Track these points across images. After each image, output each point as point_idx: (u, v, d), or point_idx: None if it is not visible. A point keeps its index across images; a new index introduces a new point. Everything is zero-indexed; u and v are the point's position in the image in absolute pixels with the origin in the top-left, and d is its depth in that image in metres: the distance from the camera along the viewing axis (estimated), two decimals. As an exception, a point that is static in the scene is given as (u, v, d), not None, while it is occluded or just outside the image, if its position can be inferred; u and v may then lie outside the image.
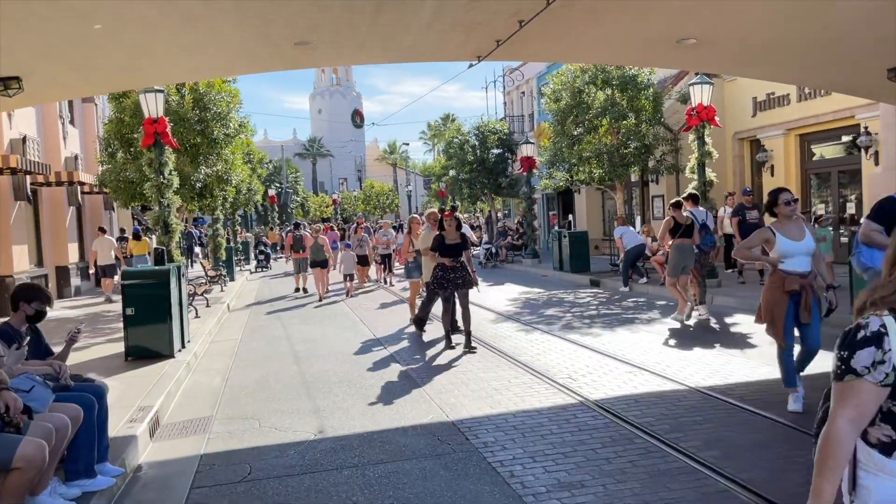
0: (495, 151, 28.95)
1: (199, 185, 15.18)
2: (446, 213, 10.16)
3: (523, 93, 34.84)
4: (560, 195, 28.65)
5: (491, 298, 15.00)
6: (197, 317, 13.39)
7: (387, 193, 67.09)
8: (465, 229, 11.50)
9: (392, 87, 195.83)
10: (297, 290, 18.14)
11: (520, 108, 35.49)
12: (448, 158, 30.34)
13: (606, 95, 17.29)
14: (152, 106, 11.89)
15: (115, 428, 5.71)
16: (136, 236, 17.74)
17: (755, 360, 7.79)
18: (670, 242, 10.64)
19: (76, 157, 18.95)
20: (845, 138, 16.36)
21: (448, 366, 8.48)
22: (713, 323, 10.60)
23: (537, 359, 8.60)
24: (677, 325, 10.41)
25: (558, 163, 18.06)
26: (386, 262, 18.58)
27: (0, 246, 14.58)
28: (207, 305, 15.10)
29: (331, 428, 6.13)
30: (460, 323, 9.70)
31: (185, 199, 15.42)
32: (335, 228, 39.37)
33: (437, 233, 9.90)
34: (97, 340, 10.93)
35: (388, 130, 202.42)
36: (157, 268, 9.40)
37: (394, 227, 27.54)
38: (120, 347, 9.35)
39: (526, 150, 22.91)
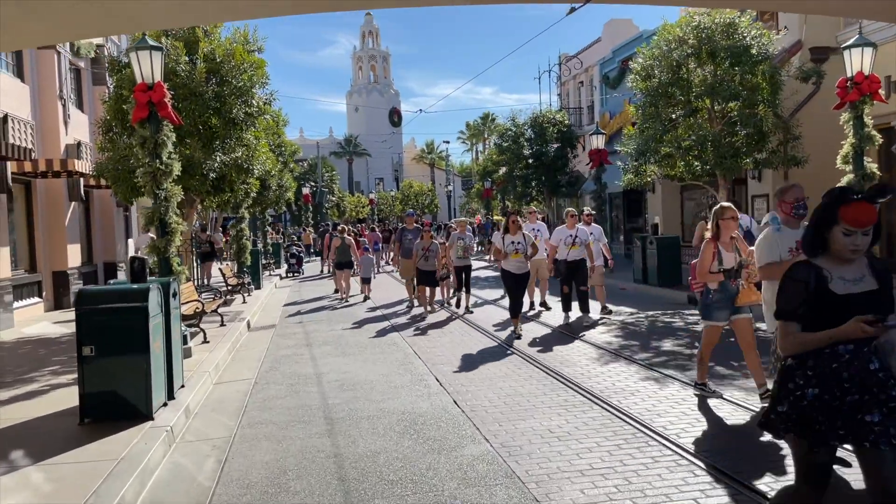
0: (553, 145, 25.75)
1: (212, 174, 12.25)
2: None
3: (581, 83, 31.55)
4: (625, 194, 25.35)
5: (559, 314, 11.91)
6: (205, 342, 10.51)
7: (426, 193, 64.15)
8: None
9: (427, 90, 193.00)
10: (338, 291, 17.61)
11: (576, 100, 32.21)
12: (500, 153, 27.20)
13: (712, 70, 14.03)
14: (146, 67, 9.03)
15: None
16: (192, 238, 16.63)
17: None
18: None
19: (79, 145, 16.30)
20: None
21: (576, 453, 5.37)
22: None
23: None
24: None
25: (649, 153, 14.83)
26: (463, 277, 13.48)
27: (-29, 248, 11.92)
28: (222, 324, 12.25)
29: None
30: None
31: (196, 191, 12.56)
32: (375, 229, 36.66)
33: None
34: (61, 380, 8.06)
35: (424, 131, 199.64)
36: (128, 286, 6.48)
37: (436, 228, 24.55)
38: (81, 398, 6.45)
39: (595, 142, 19.74)
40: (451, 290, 14.45)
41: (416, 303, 14.44)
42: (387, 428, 6.13)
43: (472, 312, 13.10)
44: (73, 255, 16.21)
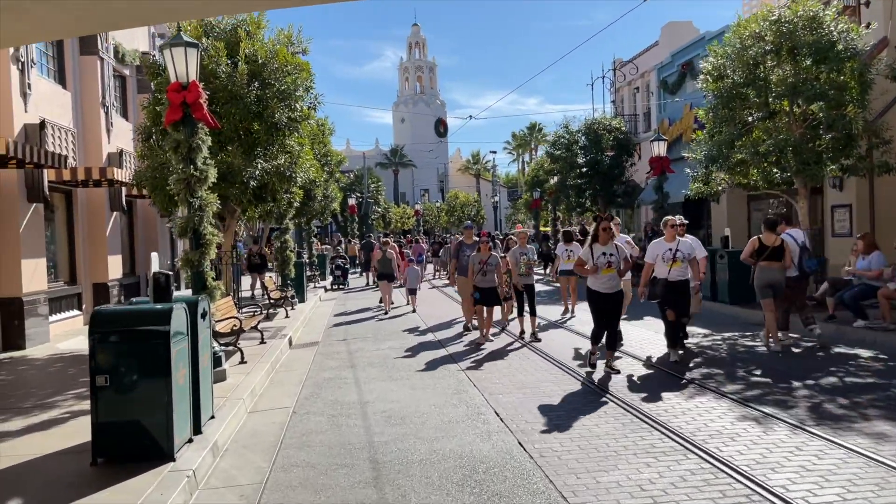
0: (609, 153, 24.56)
1: (253, 183, 11.54)
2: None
3: (637, 89, 30.30)
4: (684, 205, 23.99)
5: (637, 340, 10.83)
6: (242, 362, 9.75)
7: (472, 204, 63.28)
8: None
9: (472, 101, 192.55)
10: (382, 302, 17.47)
11: (631, 107, 30.95)
12: (552, 161, 26.11)
13: (792, 69, 12.79)
14: (181, 65, 8.34)
15: None
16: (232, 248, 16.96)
17: None
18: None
19: (121, 154, 15.87)
20: None
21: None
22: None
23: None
24: None
25: (720, 160, 13.62)
26: (526, 297, 11.58)
27: (6, 261, 11.42)
28: (262, 341, 11.50)
29: None
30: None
31: (236, 200, 11.86)
32: (419, 240, 35.95)
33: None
34: (83, 406, 7.34)
35: (469, 141, 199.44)
36: (149, 307, 5.71)
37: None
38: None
39: (657, 149, 18.57)
40: (512, 310, 12.70)
41: (474, 324, 12.67)
42: (442, 477, 5.18)
43: (539, 340, 11.17)
44: (115, 267, 15.75)
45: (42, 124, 11.95)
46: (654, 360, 9.34)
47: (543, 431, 6.24)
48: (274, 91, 11.59)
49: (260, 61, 11.62)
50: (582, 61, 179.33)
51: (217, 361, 8.52)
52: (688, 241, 9.55)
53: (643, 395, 7.44)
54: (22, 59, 11.60)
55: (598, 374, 8.46)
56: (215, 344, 8.69)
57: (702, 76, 14.22)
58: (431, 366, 9.72)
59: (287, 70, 11.79)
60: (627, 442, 5.82)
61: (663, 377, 8.35)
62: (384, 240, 19.35)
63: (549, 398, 7.45)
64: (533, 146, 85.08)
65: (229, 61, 11.50)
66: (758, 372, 8.43)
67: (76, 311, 14.47)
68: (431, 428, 6.55)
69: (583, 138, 24.72)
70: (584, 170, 24.14)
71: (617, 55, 39.82)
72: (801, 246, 10.76)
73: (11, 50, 11.38)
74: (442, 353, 10.76)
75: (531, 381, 8.34)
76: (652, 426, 6.22)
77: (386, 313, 16.54)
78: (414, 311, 16.80)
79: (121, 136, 16.54)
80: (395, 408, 7.34)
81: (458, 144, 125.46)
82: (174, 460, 5.38)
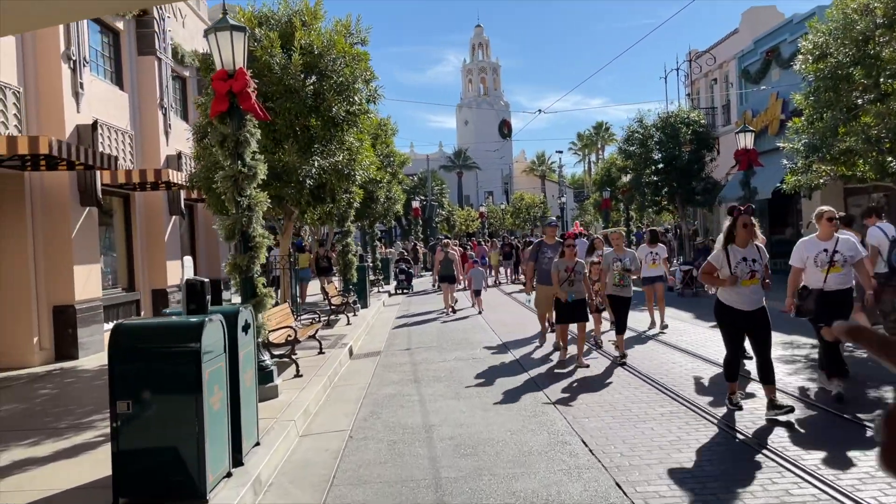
0: (687, 149, 23.03)
1: (309, 182, 10.79)
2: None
3: (714, 80, 28.54)
4: (769, 202, 22.23)
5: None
6: (297, 375, 8.96)
7: (538, 206, 61.90)
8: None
9: (535, 103, 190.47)
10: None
11: (708, 99, 29.18)
12: (626, 158, 24.71)
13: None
14: (227, 51, 7.61)
15: None
16: (300, 249, 17.86)
17: None
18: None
19: (179, 156, 15.47)
20: None
21: None
22: None
23: None
24: None
25: (823, 149, 12.16)
26: (621, 310, 9.59)
27: (58, 267, 10.99)
28: (320, 351, 10.73)
29: None
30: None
31: (292, 201, 11.14)
32: (482, 243, 35.00)
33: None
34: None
35: (532, 143, 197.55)
36: (178, 320, 4.92)
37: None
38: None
39: (743, 141, 17.09)
40: (603, 326, 11.02)
41: (547, 340, 11.08)
42: (526, 531, 4.18)
43: (624, 358, 9.25)
44: (174, 272, 15.32)
45: (94, 125, 11.52)
46: (810, 394, 7.24)
47: (644, 467, 5.16)
48: (331, 83, 10.82)
49: (316, 52, 10.88)
50: (649, 59, 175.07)
51: (268, 376, 7.75)
52: (850, 240, 7.15)
53: (813, 450, 5.34)
54: (73, 58, 11.19)
55: (747, 416, 6.37)
56: (267, 357, 7.93)
57: (800, 56, 12.80)
58: (503, 382, 8.70)
59: (345, 61, 11.02)
60: (770, 496, 4.67)
61: (832, 421, 6.21)
62: (445, 241, 19.47)
63: (640, 417, 6.34)
64: (600, 146, 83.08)
65: (283, 53, 10.81)
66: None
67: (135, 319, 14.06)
68: (508, 461, 5.55)
69: (657, 133, 23.23)
70: (661, 166, 22.69)
71: (686, 49, 37.85)
72: (891, 240, 9.27)
73: (62, 48, 10.98)
74: (515, 367, 9.72)
75: (617, 399, 7.24)
76: (796, 473, 5.04)
77: (448, 314, 16.50)
78: (479, 312, 16.40)
79: (180, 138, 16.15)
80: (465, 434, 6.37)
81: (523, 146, 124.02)
82: (206, 501, 4.56)
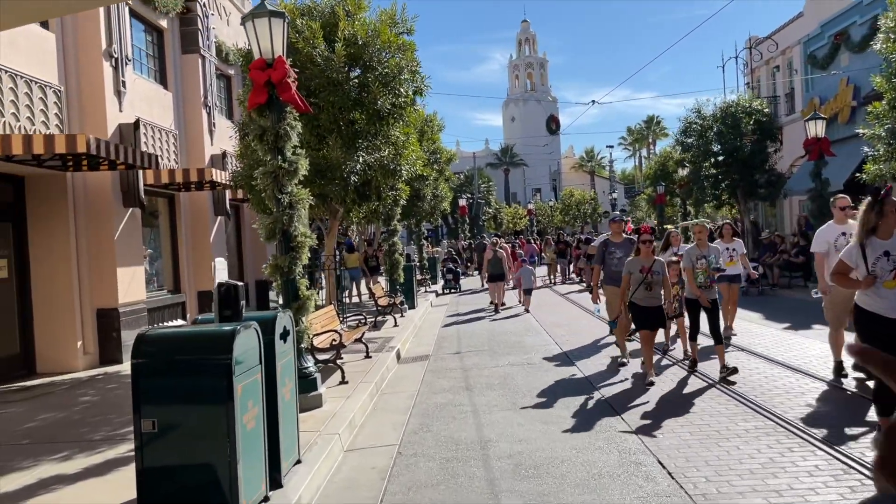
0: (749, 140, 21.90)
1: (354, 178, 10.32)
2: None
3: (776, 67, 27.19)
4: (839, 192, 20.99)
5: (816, 355, 8.45)
6: (342, 382, 8.48)
7: (588, 202, 60.68)
8: None
9: (582, 99, 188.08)
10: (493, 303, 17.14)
11: (769, 88, 27.84)
12: (684, 150, 23.67)
13: None
14: (264, 39, 7.16)
15: None
16: (350, 248, 18.43)
17: None
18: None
19: (224, 155, 15.21)
20: None
21: None
22: None
23: None
24: None
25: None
26: (707, 317, 8.05)
27: (101, 269, 10.77)
28: (367, 355, 10.25)
29: None
30: None
31: (337, 198, 10.69)
32: (531, 241, 34.23)
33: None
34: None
35: (580, 139, 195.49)
36: (207, 329, 4.46)
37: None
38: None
39: (814, 129, 16.04)
40: (674, 332, 9.83)
41: (625, 353, 9.29)
42: (604, 577, 3.56)
43: (733, 382, 7.51)
44: (220, 274, 15.06)
45: (136, 124, 11.26)
46: None
47: (733, 494, 4.48)
48: (376, 75, 10.34)
49: (360, 42, 10.40)
50: (700, 51, 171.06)
51: (311, 384, 7.28)
52: None
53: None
54: (115, 56, 10.95)
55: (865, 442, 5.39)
56: (310, 363, 7.47)
57: (880, 35, 11.76)
58: (562, 389, 8.06)
59: (390, 51, 10.52)
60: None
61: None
62: (494, 240, 19.15)
63: (737, 448, 5.64)
64: (651, 140, 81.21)
65: (326, 46, 10.36)
66: None
67: (180, 322, 13.84)
68: (575, 485, 4.93)
69: (717, 124, 22.14)
70: (721, 158, 21.62)
71: (743, 36, 36.38)
72: None
73: (104, 45, 10.75)
74: (573, 372, 9.06)
75: (706, 422, 6.53)
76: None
77: (496, 311, 16.51)
78: (526, 311, 16.20)
79: (224, 137, 15.91)
80: (525, 451, 5.76)
81: (570, 141, 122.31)
82: (240, 531, 4.07)
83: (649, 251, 8.15)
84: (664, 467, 5.15)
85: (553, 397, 7.70)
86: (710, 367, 8.30)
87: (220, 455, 4.10)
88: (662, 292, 8.31)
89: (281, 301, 7.47)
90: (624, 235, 9.75)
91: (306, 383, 7.18)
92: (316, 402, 7.25)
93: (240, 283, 4.85)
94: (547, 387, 8.25)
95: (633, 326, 8.49)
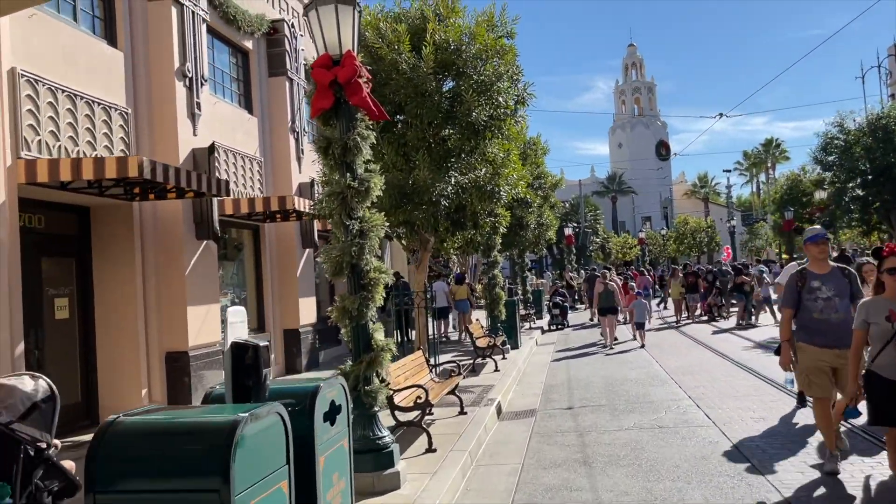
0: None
1: (444, 202, 8.86)
2: None
3: (929, 73, 23.91)
4: None
5: None
6: (429, 450, 6.92)
7: (704, 230, 56.96)
8: None
9: (691, 125, 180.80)
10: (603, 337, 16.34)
11: (920, 98, 24.50)
12: (824, 170, 20.91)
13: None
14: (330, 31, 5.85)
15: None
16: (459, 280, 19.25)
17: None
18: None
19: (312, 184, 14.21)
20: None
21: None
22: None
23: None
24: None
25: None
26: None
27: (171, 308, 9.79)
28: (461, 411, 8.67)
29: None
30: None
31: (426, 226, 9.26)
32: (645, 272, 31.76)
33: None
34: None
35: (691, 165, 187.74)
36: (197, 419, 3.02)
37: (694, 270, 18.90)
38: None
39: None
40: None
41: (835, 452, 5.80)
42: None
43: None
44: (307, 311, 14.01)
45: (211, 148, 10.33)
46: None
47: None
48: (469, 83, 8.91)
49: (452, 47, 9.02)
50: (817, 72, 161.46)
51: (386, 459, 5.76)
52: None
53: None
54: (189, 75, 10.10)
55: None
56: (384, 432, 5.95)
57: None
58: (714, 470, 6.14)
59: (487, 56, 9.09)
60: None
61: None
62: (604, 272, 18.05)
63: None
64: (770, 164, 76.06)
65: (413, 53, 9.04)
66: None
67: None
68: None
69: (865, 139, 19.34)
70: (870, 177, 18.78)
71: (864, 58, 32.63)
72: None
73: (177, 64, 9.91)
74: (723, 443, 7.10)
75: None
76: None
77: (609, 348, 15.57)
78: (642, 346, 15.23)
79: (313, 165, 14.96)
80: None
81: (681, 168, 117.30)
82: None
83: (894, 283, 5.06)
84: None
85: (700, 480, 5.79)
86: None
87: None
88: None
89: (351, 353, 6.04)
90: (831, 263, 6.20)
91: (379, 457, 5.69)
92: (392, 483, 5.72)
93: (261, 344, 3.39)
94: (690, 463, 6.32)
95: (854, 406, 5.39)
